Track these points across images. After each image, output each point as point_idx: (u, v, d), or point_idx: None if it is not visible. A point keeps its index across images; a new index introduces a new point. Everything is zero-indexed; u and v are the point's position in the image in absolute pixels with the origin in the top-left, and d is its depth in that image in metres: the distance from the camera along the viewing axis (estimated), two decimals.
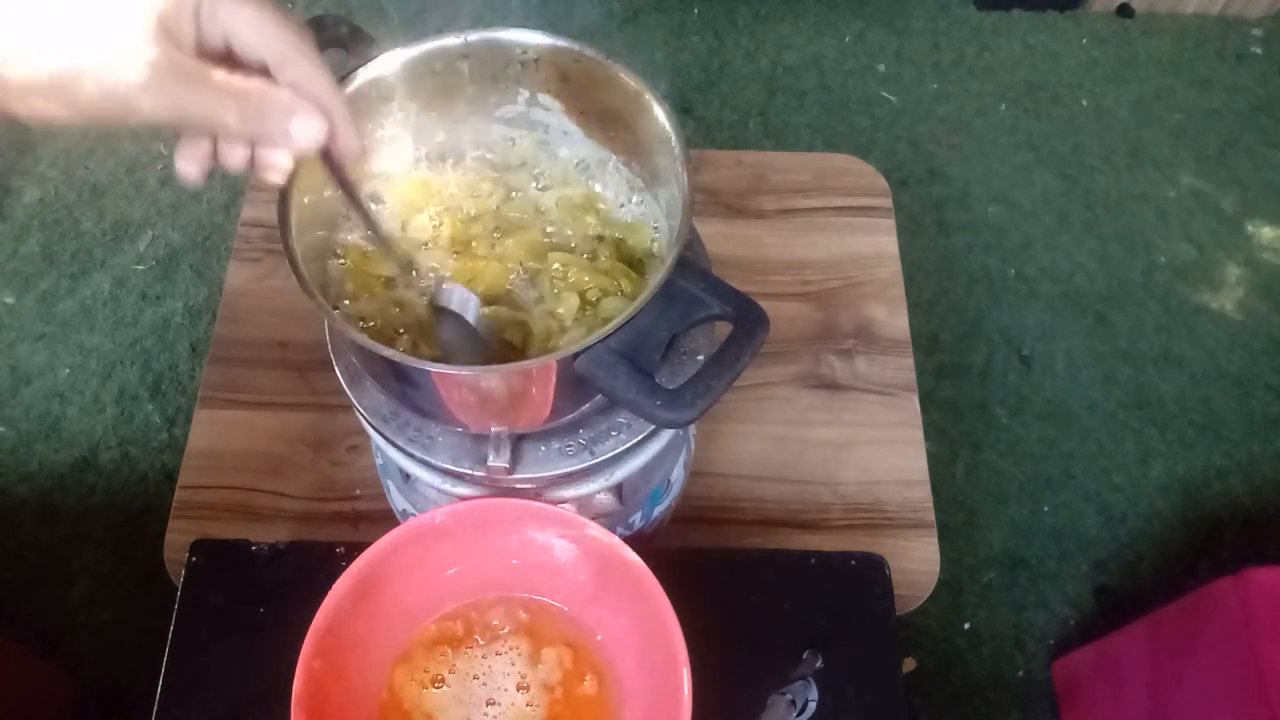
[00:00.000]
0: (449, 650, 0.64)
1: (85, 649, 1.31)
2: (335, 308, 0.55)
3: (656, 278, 0.49)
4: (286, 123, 0.38)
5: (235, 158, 0.41)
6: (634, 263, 0.59)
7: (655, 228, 0.60)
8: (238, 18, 0.37)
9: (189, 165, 0.41)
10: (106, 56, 0.34)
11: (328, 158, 0.44)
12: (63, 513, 1.40)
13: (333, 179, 0.47)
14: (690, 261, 0.51)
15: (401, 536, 0.61)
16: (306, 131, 0.39)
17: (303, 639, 0.57)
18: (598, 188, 0.61)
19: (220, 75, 0.36)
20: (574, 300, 0.57)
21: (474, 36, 0.56)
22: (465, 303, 0.48)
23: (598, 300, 0.57)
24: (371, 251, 0.58)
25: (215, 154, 0.41)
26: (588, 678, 0.63)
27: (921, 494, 0.86)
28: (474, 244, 0.59)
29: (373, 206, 0.49)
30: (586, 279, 0.57)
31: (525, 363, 0.50)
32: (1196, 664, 1.01)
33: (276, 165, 0.41)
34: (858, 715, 0.66)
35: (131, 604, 1.34)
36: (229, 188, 1.69)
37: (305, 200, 0.53)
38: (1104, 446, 1.53)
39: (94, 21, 0.33)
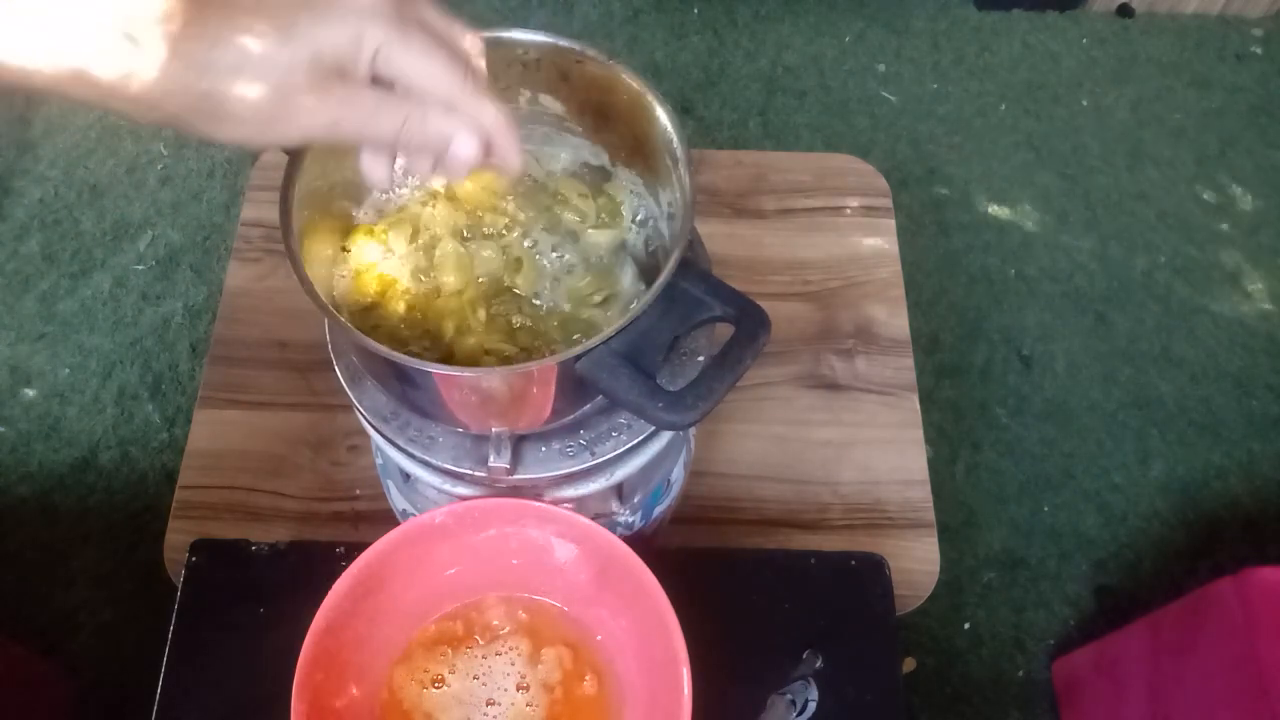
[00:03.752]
0: (449, 650, 0.64)
1: (85, 649, 1.31)
2: (335, 308, 0.55)
3: (659, 280, 0.49)
4: (443, 144, 0.43)
5: (419, 166, 0.45)
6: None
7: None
8: (403, 63, 0.40)
9: (373, 168, 0.46)
10: (245, 87, 0.37)
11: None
12: (63, 513, 1.40)
13: None
14: (691, 263, 0.51)
15: (401, 536, 0.61)
16: (462, 152, 0.43)
17: (303, 639, 0.57)
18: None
19: (372, 101, 0.40)
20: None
21: None
22: None
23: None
24: (373, 248, 0.58)
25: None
26: (588, 678, 0.63)
27: (921, 494, 0.86)
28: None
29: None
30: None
31: (526, 364, 0.50)
32: (1196, 664, 1.01)
33: (449, 174, 0.45)
34: (858, 715, 0.66)
35: (131, 604, 1.34)
36: (229, 188, 1.68)
37: (305, 200, 0.53)
38: (1104, 446, 1.53)
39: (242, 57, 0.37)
